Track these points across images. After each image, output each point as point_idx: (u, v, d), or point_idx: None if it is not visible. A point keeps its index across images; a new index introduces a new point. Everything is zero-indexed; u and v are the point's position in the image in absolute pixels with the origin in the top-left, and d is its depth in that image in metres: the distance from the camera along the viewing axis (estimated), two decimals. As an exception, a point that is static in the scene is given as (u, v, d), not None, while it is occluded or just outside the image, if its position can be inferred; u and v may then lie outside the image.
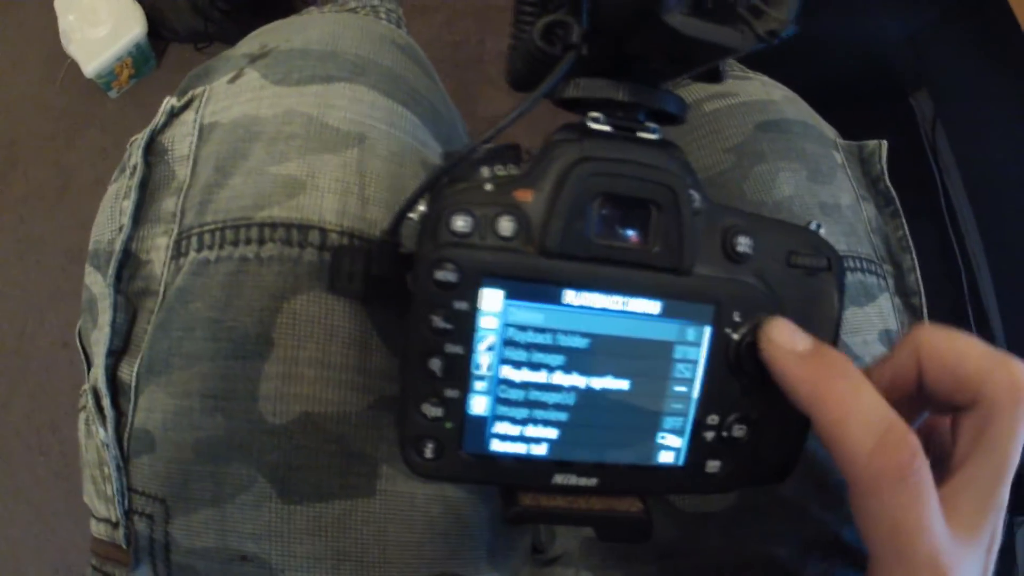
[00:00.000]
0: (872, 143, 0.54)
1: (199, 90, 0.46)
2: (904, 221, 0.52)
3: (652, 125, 0.34)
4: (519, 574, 0.48)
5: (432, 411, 0.32)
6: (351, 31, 0.48)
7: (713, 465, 0.35)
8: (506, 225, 0.31)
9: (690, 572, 0.45)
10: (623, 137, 0.33)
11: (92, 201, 0.45)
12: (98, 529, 0.41)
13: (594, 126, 0.33)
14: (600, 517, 0.35)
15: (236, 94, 0.45)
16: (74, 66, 1.27)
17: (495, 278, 0.31)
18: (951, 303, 1.09)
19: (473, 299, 0.31)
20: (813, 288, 0.36)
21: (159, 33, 1.30)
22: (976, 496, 0.32)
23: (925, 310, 0.51)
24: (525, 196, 0.32)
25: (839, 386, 0.31)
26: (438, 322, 0.31)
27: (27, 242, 1.30)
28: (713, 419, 0.35)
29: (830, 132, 0.55)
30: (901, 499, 0.29)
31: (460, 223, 0.31)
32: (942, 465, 0.33)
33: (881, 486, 0.30)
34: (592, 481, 0.34)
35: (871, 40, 1.13)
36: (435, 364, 0.32)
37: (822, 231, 0.36)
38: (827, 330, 0.36)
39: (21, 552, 1.20)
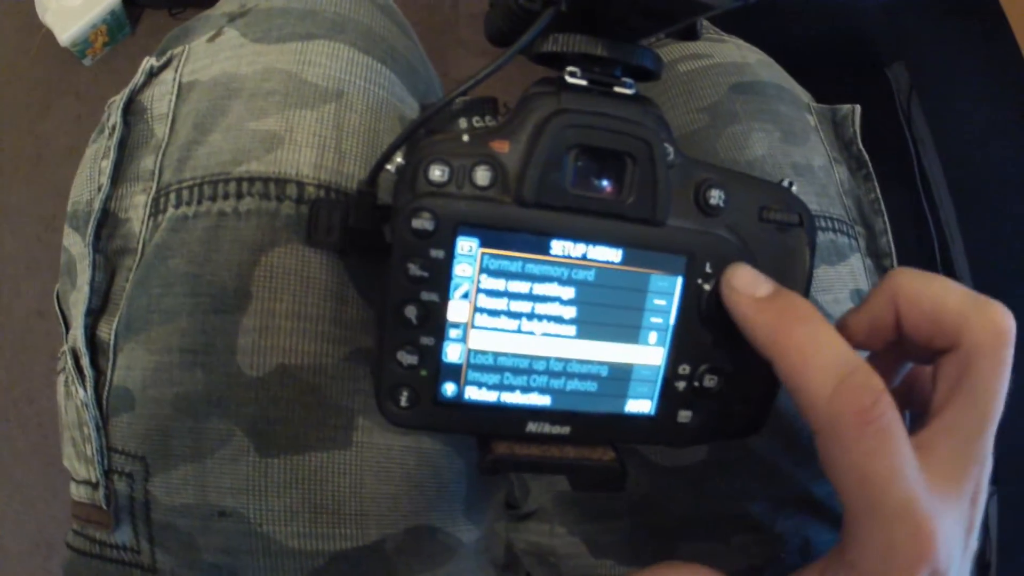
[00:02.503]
0: (846, 107, 0.54)
1: (178, 49, 0.46)
2: (876, 185, 0.52)
3: (628, 80, 0.34)
4: (494, 528, 0.49)
5: (407, 359, 0.33)
6: None
7: (685, 415, 0.36)
8: (482, 175, 0.32)
9: (662, 527, 0.45)
10: (600, 91, 0.33)
11: (67, 169, 0.45)
12: (78, 492, 0.42)
13: (571, 80, 0.33)
14: (573, 466, 0.35)
15: (215, 52, 0.45)
16: (49, 35, 1.25)
17: (471, 226, 0.31)
18: (923, 267, 1.10)
19: (449, 247, 0.31)
20: (784, 243, 0.36)
21: (134, -1, 1.29)
22: (956, 444, 0.31)
23: None
24: (502, 147, 0.32)
25: (798, 330, 0.31)
26: (414, 270, 0.31)
27: (2, 211, 1.29)
28: (685, 369, 0.35)
29: (804, 95, 0.56)
30: (866, 445, 0.29)
31: (437, 173, 0.31)
32: (924, 415, 0.33)
33: (844, 432, 0.29)
34: (565, 429, 0.35)
35: (848, 10, 1.13)
36: (411, 312, 0.32)
37: (794, 188, 0.37)
38: (798, 286, 0.37)
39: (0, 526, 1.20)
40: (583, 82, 0.33)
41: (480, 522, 0.47)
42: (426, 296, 0.32)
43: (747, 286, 0.33)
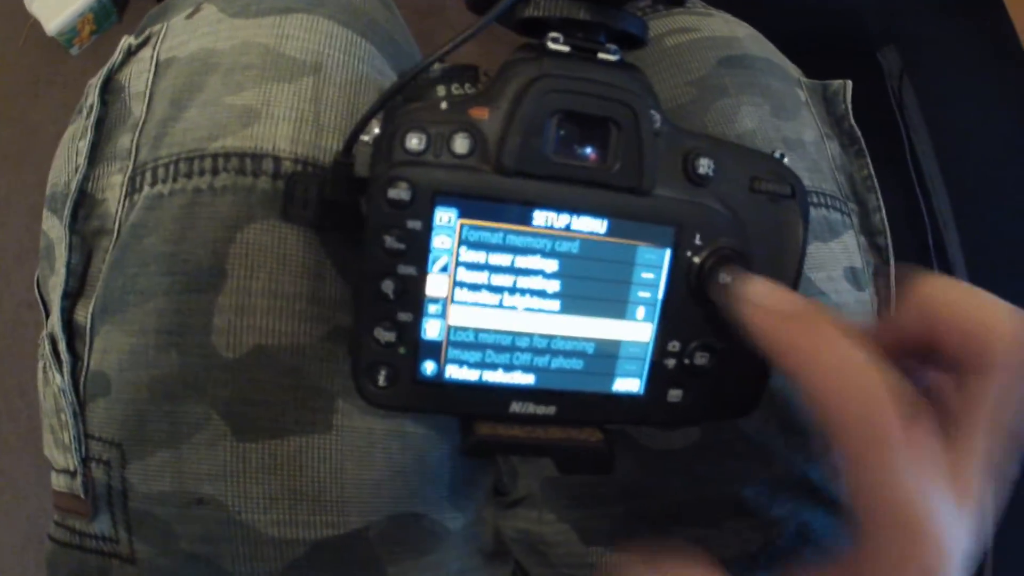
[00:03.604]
0: (836, 82, 0.53)
1: (157, 27, 0.45)
2: (869, 161, 0.51)
3: (612, 46, 0.33)
4: (482, 515, 0.48)
5: (385, 336, 0.32)
6: None
7: (675, 394, 0.35)
8: (461, 143, 0.31)
9: (654, 513, 0.45)
10: (583, 57, 0.32)
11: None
12: (58, 481, 0.41)
13: (553, 46, 0.32)
14: (559, 447, 0.34)
15: (193, 29, 0.44)
16: (36, 25, 1.25)
17: (449, 196, 0.30)
18: (917, 256, 1.09)
19: (427, 218, 0.30)
20: (776, 215, 0.35)
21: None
22: (981, 466, 0.30)
23: (891, 251, 0.50)
24: (481, 114, 0.31)
25: (825, 351, 0.29)
26: (391, 242, 0.30)
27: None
28: (674, 346, 0.34)
29: (794, 71, 0.55)
30: (893, 469, 0.27)
31: (414, 141, 0.30)
32: (944, 425, 0.31)
33: (869, 452, 0.28)
34: (550, 409, 0.34)
35: None
36: (388, 286, 0.31)
37: (786, 160, 0.36)
38: (791, 259, 0.36)
39: (-11, 518, 1.20)
40: (566, 48, 0.32)
41: (467, 509, 0.46)
42: (403, 270, 0.31)
43: (765, 299, 0.31)
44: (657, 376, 0.34)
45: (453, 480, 0.44)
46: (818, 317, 0.30)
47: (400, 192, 0.30)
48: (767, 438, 0.44)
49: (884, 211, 0.50)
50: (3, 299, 1.25)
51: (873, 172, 0.51)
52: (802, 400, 0.29)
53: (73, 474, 0.39)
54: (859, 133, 0.52)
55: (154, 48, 0.44)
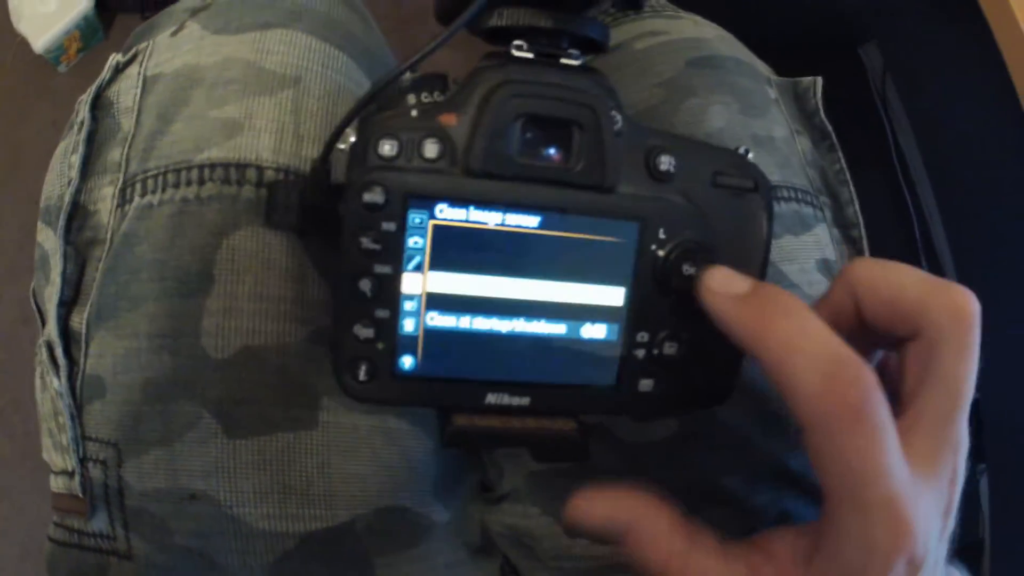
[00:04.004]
0: (807, 79, 0.54)
1: (143, 45, 0.47)
2: (841, 156, 0.52)
3: (575, 52, 0.34)
4: (468, 511, 0.49)
5: (364, 332, 0.33)
6: None
7: (646, 384, 0.36)
8: (431, 148, 0.32)
9: None
10: (546, 63, 0.34)
11: (44, 175, 0.46)
12: (56, 484, 0.42)
13: (517, 53, 0.33)
14: (534, 437, 0.36)
15: (178, 46, 0.45)
16: (24, 43, 1.26)
17: (421, 198, 0.32)
18: (904, 250, 1.10)
19: (400, 219, 0.32)
20: (740, 209, 0.36)
21: (106, 4, 1.29)
22: (930, 432, 0.31)
23: (865, 242, 0.51)
24: (449, 120, 0.33)
25: (783, 324, 0.30)
26: (367, 243, 0.32)
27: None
28: (643, 336, 0.35)
29: (764, 69, 0.56)
30: (857, 442, 0.28)
31: (387, 148, 0.32)
32: (895, 402, 0.32)
33: (834, 428, 0.28)
34: (524, 400, 0.35)
35: None
36: (365, 285, 0.32)
37: (750, 156, 0.37)
38: (756, 252, 0.37)
39: (-13, 531, 1.20)
40: (530, 55, 0.34)
41: (452, 503, 0.47)
42: (379, 269, 0.32)
43: (724, 285, 0.32)
44: (627, 367, 0.36)
45: (438, 475, 0.45)
46: (772, 295, 0.31)
47: (374, 196, 0.31)
48: (745, 428, 0.44)
49: (857, 204, 0.51)
50: (-3, 315, 1.25)
51: (846, 166, 0.52)
52: (769, 378, 0.30)
53: (71, 474, 0.41)
54: (830, 128, 0.52)
55: (141, 65, 0.45)
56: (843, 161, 0.52)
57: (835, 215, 0.51)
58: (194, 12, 0.47)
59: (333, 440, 0.41)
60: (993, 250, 1.04)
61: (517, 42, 0.33)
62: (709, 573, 0.33)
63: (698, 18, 0.57)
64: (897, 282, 0.32)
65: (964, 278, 1.03)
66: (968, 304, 0.31)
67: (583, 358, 0.35)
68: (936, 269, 1.10)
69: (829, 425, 0.28)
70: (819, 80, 0.53)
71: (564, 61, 0.34)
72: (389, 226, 0.32)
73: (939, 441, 0.31)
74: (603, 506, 0.34)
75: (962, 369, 0.31)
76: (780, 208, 0.47)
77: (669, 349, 0.36)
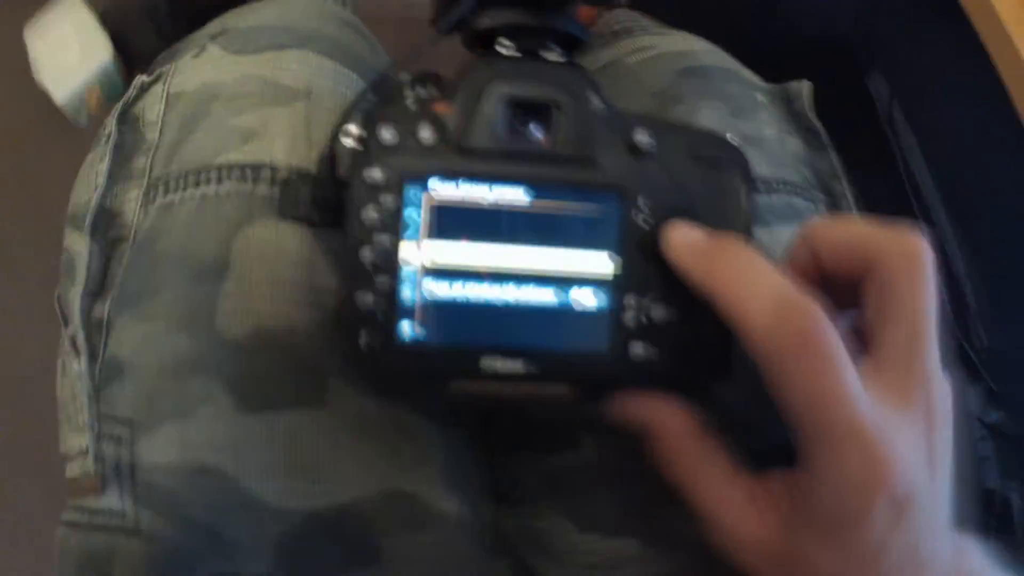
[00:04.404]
0: (795, 84, 0.56)
1: (167, 67, 0.51)
2: (834, 154, 0.53)
3: (557, 48, 0.38)
4: (481, 510, 0.50)
5: (364, 299, 0.36)
6: (299, 10, 0.53)
7: (638, 349, 0.38)
8: (426, 132, 0.36)
9: (646, 494, 0.45)
10: (530, 58, 0.38)
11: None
12: (72, 469, 0.44)
13: (504, 52, 0.38)
14: (530, 400, 0.38)
15: (199, 66, 0.49)
16: (45, 95, 1.31)
17: (417, 175, 0.36)
18: None
19: (398, 195, 0.36)
20: (719, 180, 0.39)
21: (126, 58, 1.34)
22: (894, 364, 0.31)
23: None
24: (443, 109, 0.37)
25: (733, 265, 0.32)
26: (368, 216, 0.35)
27: (5, 266, 1.34)
28: (632, 301, 0.37)
29: (753, 77, 0.57)
30: (808, 367, 0.29)
31: (386, 135, 0.36)
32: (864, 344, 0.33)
33: (786, 359, 0.29)
34: (519, 365, 0.37)
35: (822, 22, 1.16)
36: (366, 254, 0.36)
37: (730, 136, 0.40)
38: (737, 223, 0.38)
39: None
40: (516, 53, 0.38)
41: (462, 495, 0.48)
42: (380, 239, 0.36)
43: (682, 236, 0.35)
44: (618, 331, 0.37)
45: (447, 465, 0.47)
46: (725, 243, 0.33)
47: (375, 174, 0.35)
48: (752, 412, 0.44)
49: (851, 197, 0.52)
50: (21, 354, 1.28)
51: (838, 164, 0.53)
52: (724, 319, 0.32)
53: (85, 453, 0.42)
54: (821, 128, 0.54)
55: (164, 84, 0.49)
56: (835, 159, 0.53)
57: (829, 209, 0.52)
58: (214, 37, 0.51)
59: (341, 420, 0.43)
60: (1015, 272, 1.04)
61: (504, 41, 0.38)
62: (712, 485, 0.36)
63: (687, 34, 0.60)
64: (850, 229, 0.34)
65: (981, 300, 1.03)
66: (917, 241, 0.32)
67: (576, 324, 0.37)
68: (957, 294, 1.08)
69: (781, 356, 0.30)
70: (807, 83, 0.55)
71: (546, 55, 0.38)
72: (388, 201, 0.35)
73: (906, 375, 0.31)
74: (633, 404, 0.38)
75: (918, 303, 0.32)
76: (772, 200, 0.49)
77: (657, 312, 0.37)
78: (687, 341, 0.38)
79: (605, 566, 0.46)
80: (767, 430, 0.44)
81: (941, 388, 0.32)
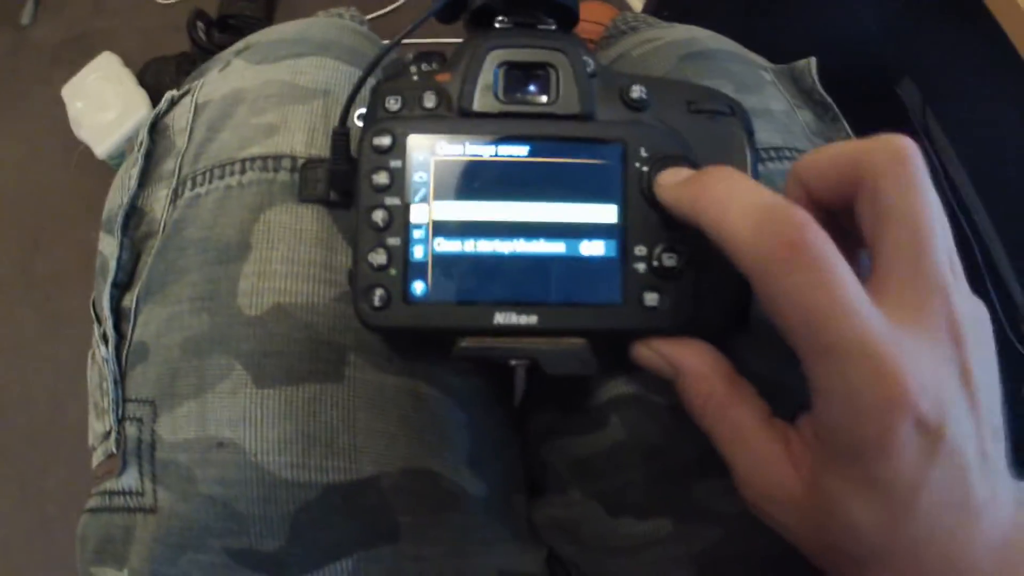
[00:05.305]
0: (802, 62, 0.56)
1: (195, 83, 0.54)
2: (845, 124, 0.53)
3: (550, 20, 0.40)
4: (512, 500, 0.51)
5: (377, 259, 0.37)
6: (319, 26, 0.57)
7: (651, 298, 0.37)
8: (429, 99, 0.38)
9: (675, 472, 0.45)
10: (525, 29, 0.40)
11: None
12: (96, 454, 0.45)
13: (500, 26, 0.40)
14: (542, 351, 0.38)
15: (225, 77, 0.52)
16: (86, 150, 1.38)
17: (423, 137, 0.37)
18: (970, 276, 1.08)
19: (405, 158, 0.37)
20: (718, 131, 0.39)
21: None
22: (901, 274, 0.29)
23: None
24: (445, 78, 0.39)
25: (716, 187, 0.31)
26: (378, 179, 0.37)
27: (55, 318, 1.38)
28: (641, 250, 0.38)
29: (757, 58, 0.58)
30: (800, 277, 0.27)
31: (392, 103, 0.38)
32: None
33: (776, 270, 0.27)
34: (532, 319, 0.37)
35: (850, 32, 1.17)
36: (378, 216, 0.37)
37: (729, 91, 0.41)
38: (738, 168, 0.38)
39: None
40: (510, 27, 0.40)
41: (489, 479, 0.48)
42: (390, 201, 0.37)
43: (670, 175, 0.36)
44: (630, 281, 0.38)
45: (472, 448, 0.47)
46: (708, 170, 0.33)
47: (383, 139, 0.37)
48: (779, 376, 0.42)
49: None
50: (68, 408, 1.31)
51: (852, 133, 0.52)
52: (712, 241, 0.31)
53: (108, 435, 0.44)
54: (831, 101, 0.53)
55: (193, 96, 0.52)
56: (848, 129, 0.53)
57: None
58: (238, 52, 0.55)
59: (359, 395, 0.43)
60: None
61: (500, 18, 0.40)
62: (745, 428, 0.34)
63: (691, 26, 0.61)
64: (832, 150, 0.33)
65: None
66: (902, 141, 0.31)
67: (586, 275, 0.38)
68: (1005, 295, 1.08)
69: (771, 267, 0.28)
70: (813, 60, 0.55)
71: (540, 27, 0.40)
72: (396, 163, 0.37)
73: (915, 283, 0.29)
74: (661, 347, 0.37)
75: (914, 204, 0.30)
76: (784, 167, 0.48)
77: (668, 260, 0.37)
78: (701, 291, 0.38)
79: (639, 549, 0.46)
80: (794, 393, 0.43)
81: (967, 304, 0.30)
